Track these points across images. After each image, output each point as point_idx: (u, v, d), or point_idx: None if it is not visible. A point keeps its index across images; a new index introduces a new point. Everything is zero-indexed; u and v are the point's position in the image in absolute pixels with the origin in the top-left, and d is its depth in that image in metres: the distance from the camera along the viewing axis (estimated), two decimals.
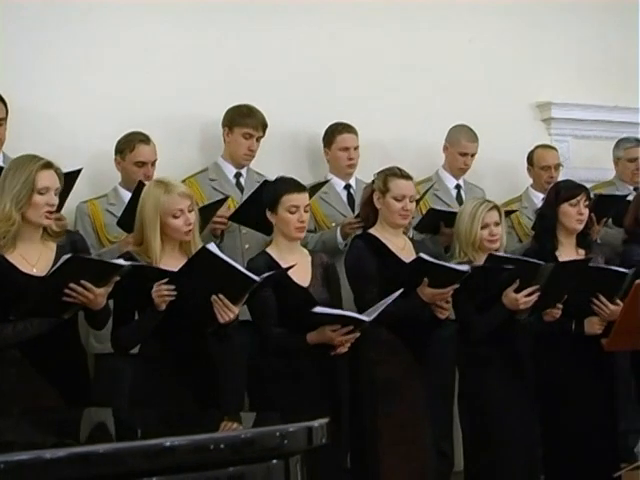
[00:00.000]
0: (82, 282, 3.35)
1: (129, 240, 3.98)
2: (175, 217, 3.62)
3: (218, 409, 3.60)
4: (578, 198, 4.47)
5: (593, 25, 6.35)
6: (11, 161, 3.61)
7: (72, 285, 3.34)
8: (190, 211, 3.65)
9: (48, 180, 3.47)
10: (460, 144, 5.46)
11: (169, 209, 3.61)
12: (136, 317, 3.64)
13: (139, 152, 4.63)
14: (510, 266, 4.12)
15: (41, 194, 3.44)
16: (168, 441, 1.95)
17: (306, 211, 4.01)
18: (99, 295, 3.39)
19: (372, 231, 4.27)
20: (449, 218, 4.81)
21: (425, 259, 3.98)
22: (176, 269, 3.57)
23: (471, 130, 5.48)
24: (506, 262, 4.21)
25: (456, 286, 4.02)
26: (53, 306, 3.41)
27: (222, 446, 1.97)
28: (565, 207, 4.48)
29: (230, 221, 4.63)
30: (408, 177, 4.28)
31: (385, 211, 4.24)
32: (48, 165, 3.49)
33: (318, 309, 3.81)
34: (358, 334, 3.83)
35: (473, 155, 5.49)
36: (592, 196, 4.98)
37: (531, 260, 4.22)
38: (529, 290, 4.16)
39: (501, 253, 4.35)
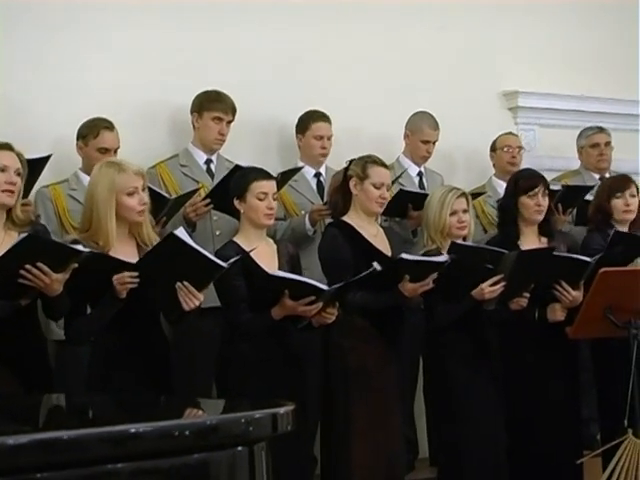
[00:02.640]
0: (38, 264, 3.31)
1: None
2: (129, 195, 3.58)
3: (175, 396, 3.59)
4: (536, 190, 4.50)
5: (561, 13, 6.40)
6: None
7: (27, 266, 3.29)
8: (143, 190, 3.63)
9: (6, 159, 3.45)
10: (423, 132, 5.46)
11: (124, 187, 3.57)
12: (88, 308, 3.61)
13: (103, 138, 4.59)
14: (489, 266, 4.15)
15: (0, 172, 3.43)
16: (133, 427, 1.95)
17: (274, 198, 4.03)
18: (55, 281, 3.33)
19: (345, 219, 4.29)
20: (418, 200, 4.84)
21: (407, 259, 4.01)
22: (129, 255, 3.54)
23: (432, 117, 5.48)
24: (469, 250, 4.24)
25: (435, 276, 4.06)
26: (9, 288, 3.36)
27: (187, 432, 1.97)
28: (524, 199, 4.51)
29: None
30: (386, 165, 4.34)
31: (362, 198, 4.26)
32: (7, 146, 3.48)
33: (277, 272, 3.84)
34: (321, 304, 3.83)
35: (435, 142, 5.50)
36: (560, 187, 5.04)
37: (494, 249, 4.25)
38: (494, 279, 4.19)
39: (463, 241, 4.37)
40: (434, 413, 4.43)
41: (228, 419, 2.14)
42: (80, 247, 3.39)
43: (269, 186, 4.02)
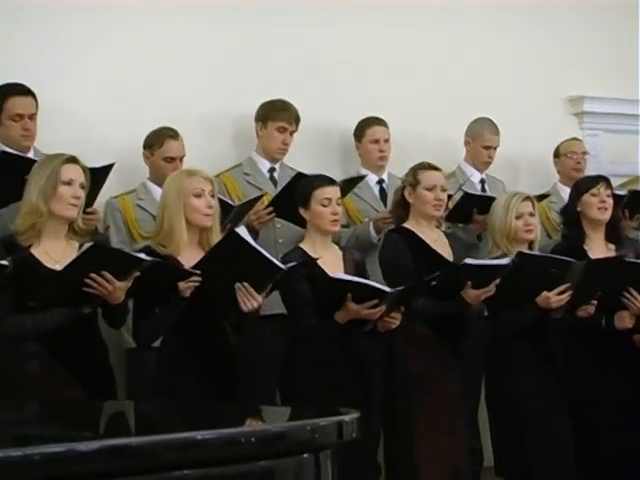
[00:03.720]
0: (102, 273, 3.37)
1: None
2: (196, 196, 3.65)
3: (241, 403, 3.61)
4: (598, 187, 4.46)
5: (626, 17, 6.31)
6: (38, 160, 3.66)
7: (92, 275, 3.36)
8: (212, 196, 3.69)
9: (72, 173, 3.53)
10: (483, 137, 5.44)
11: (191, 188, 3.66)
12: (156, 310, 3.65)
13: (168, 147, 4.65)
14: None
15: (66, 185, 3.49)
16: (199, 434, 1.96)
17: (338, 204, 4.05)
18: (118, 289, 3.40)
19: (406, 225, 4.29)
20: (482, 203, 4.81)
21: (470, 264, 3.98)
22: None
23: (493, 122, 5.46)
24: (536, 260, 4.20)
25: (497, 282, 4.03)
26: (73, 296, 3.42)
27: (253, 440, 1.97)
28: (586, 198, 4.47)
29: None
30: (437, 168, 4.35)
31: (418, 204, 4.27)
32: (72, 159, 3.55)
33: (339, 275, 3.85)
34: (384, 307, 3.82)
35: (496, 148, 5.47)
36: (626, 192, 4.97)
37: (562, 258, 4.19)
38: (561, 288, 4.14)
39: (530, 250, 4.32)
40: (499, 422, 4.38)
41: (294, 426, 2.14)
42: (143, 255, 3.45)
43: (332, 192, 4.04)
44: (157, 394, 3.68)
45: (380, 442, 4.49)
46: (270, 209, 4.59)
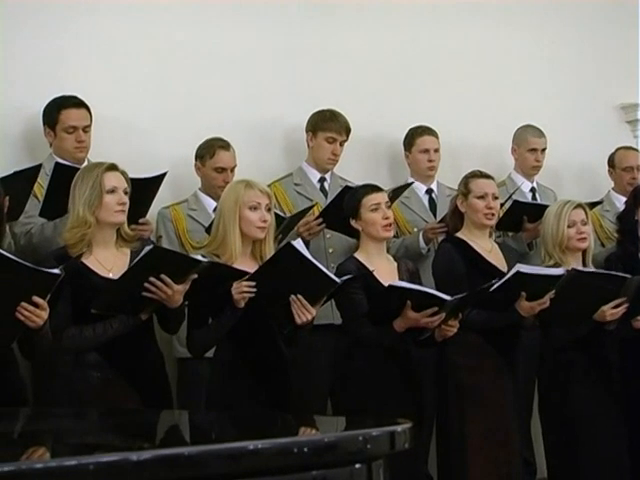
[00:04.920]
0: (162, 276, 3.40)
1: None
2: (251, 209, 3.67)
3: (293, 412, 3.62)
4: None
5: None
6: (78, 172, 3.69)
7: (152, 279, 3.39)
8: (268, 210, 3.71)
9: (115, 180, 3.55)
10: (527, 141, 5.42)
11: (248, 200, 3.68)
12: (210, 320, 3.68)
13: (219, 158, 4.67)
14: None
15: (110, 193, 3.52)
16: (251, 444, 1.96)
17: (388, 207, 4.04)
18: (177, 292, 3.42)
19: (459, 235, 4.28)
20: (533, 211, 4.79)
21: (524, 272, 3.95)
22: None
23: (536, 127, 5.43)
24: (590, 276, 4.14)
25: (552, 294, 3.99)
26: (132, 302, 3.44)
27: (305, 449, 1.97)
28: None
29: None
30: (488, 176, 4.34)
31: (470, 213, 4.26)
32: (113, 167, 3.58)
33: (398, 283, 3.83)
34: (444, 315, 3.81)
35: (543, 150, 5.43)
36: None
37: (617, 274, 4.14)
38: (616, 302, 4.09)
39: (583, 267, 4.27)
40: (552, 433, 4.33)
41: (346, 436, 2.14)
42: (199, 257, 3.47)
43: (380, 197, 4.05)
44: (211, 404, 3.70)
45: (430, 453, 4.46)
46: (320, 220, 4.59)
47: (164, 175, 4.18)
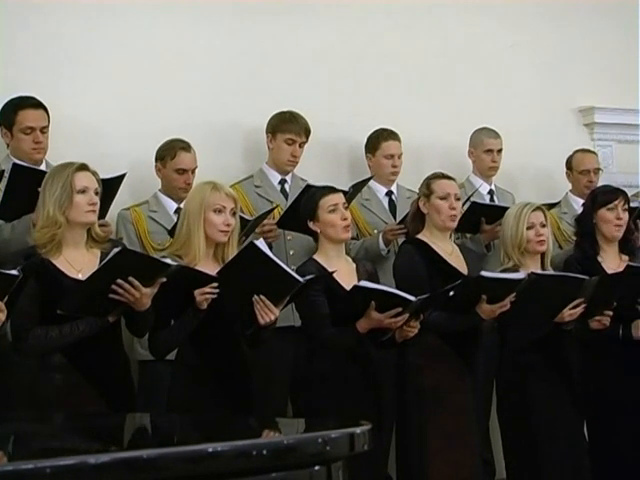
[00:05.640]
0: (130, 279, 3.38)
1: None
2: (216, 212, 3.67)
3: (254, 415, 3.61)
4: (615, 202, 4.44)
5: (636, 27, 6.30)
6: (49, 171, 3.67)
7: (119, 281, 3.37)
8: (233, 214, 3.70)
9: (86, 180, 3.53)
10: (483, 142, 5.46)
11: (212, 203, 3.67)
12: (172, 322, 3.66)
13: (180, 159, 4.66)
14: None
15: (81, 193, 3.50)
16: (211, 447, 1.96)
17: (346, 208, 4.05)
18: (145, 295, 3.41)
19: (420, 236, 4.29)
20: (490, 213, 4.83)
21: (486, 277, 3.98)
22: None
23: (491, 129, 5.48)
24: (550, 279, 4.18)
25: (513, 297, 4.02)
26: (99, 304, 3.42)
27: (264, 452, 1.98)
28: (603, 212, 4.45)
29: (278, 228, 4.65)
30: (450, 178, 4.35)
31: (432, 214, 4.27)
32: (84, 167, 3.56)
33: (362, 283, 3.84)
34: (407, 316, 3.82)
35: (499, 151, 5.47)
36: (637, 204, 4.95)
37: (576, 276, 4.17)
38: (574, 303, 4.13)
39: (543, 271, 4.29)
40: (512, 434, 4.36)
41: (306, 439, 2.14)
42: (169, 260, 3.46)
43: (337, 198, 4.05)
44: (172, 407, 3.68)
45: (390, 454, 4.47)
46: (274, 222, 4.58)
47: (123, 176, 4.16)
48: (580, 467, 4.26)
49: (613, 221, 4.43)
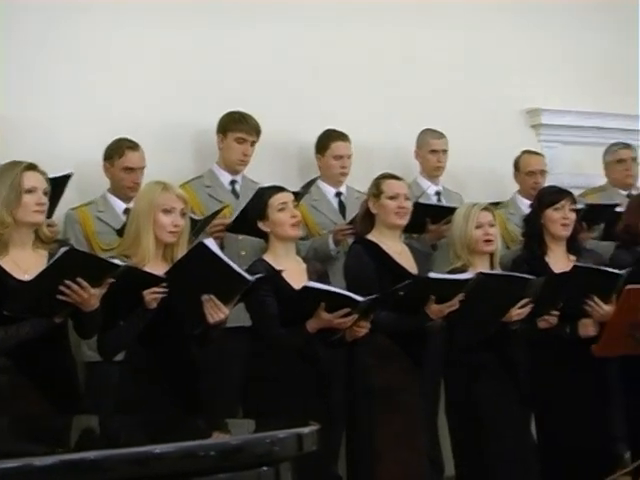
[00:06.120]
0: (77, 279, 3.34)
1: None
2: (165, 213, 3.65)
3: (203, 416, 3.60)
4: (562, 202, 4.49)
5: (583, 31, 6.39)
6: None
7: (67, 282, 3.34)
8: (182, 215, 3.68)
9: (34, 180, 3.49)
10: (428, 143, 5.51)
11: (162, 203, 3.66)
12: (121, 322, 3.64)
13: (128, 158, 4.64)
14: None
15: (29, 193, 3.46)
16: (157, 448, 1.95)
17: (295, 207, 4.05)
18: (93, 295, 3.38)
19: (370, 237, 4.31)
20: (436, 213, 4.88)
21: (434, 278, 4.00)
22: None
23: (435, 130, 5.53)
24: (498, 279, 4.22)
25: (461, 297, 4.04)
26: (46, 304, 3.39)
27: (212, 453, 1.97)
28: (550, 212, 4.50)
29: (228, 232, 4.63)
30: (399, 178, 4.39)
31: (382, 214, 4.29)
32: (32, 167, 3.52)
33: (311, 283, 3.86)
34: (356, 316, 3.83)
35: (445, 152, 5.52)
36: (583, 205, 5.02)
37: (523, 276, 4.20)
38: (522, 303, 4.17)
39: (491, 270, 4.33)
40: (460, 433, 4.39)
41: (253, 439, 2.14)
42: (117, 261, 3.44)
43: (286, 197, 4.06)
44: (120, 408, 3.65)
45: (340, 453, 4.48)
46: (223, 221, 4.56)
47: (69, 176, 4.12)
48: (528, 465, 4.31)
49: (560, 221, 4.49)
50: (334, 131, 5.25)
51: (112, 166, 4.68)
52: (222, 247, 4.59)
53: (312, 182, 4.95)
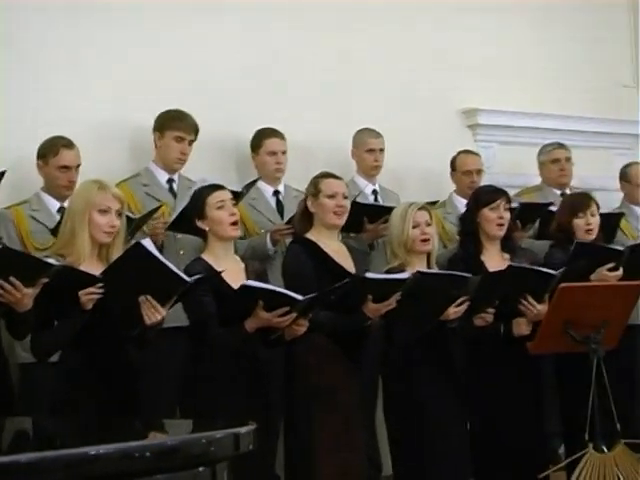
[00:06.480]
0: (10, 279, 3.29)
1: None
2: (101, 213, 3.61)
3: (140, 417, 3.58)
4: (498, 202, 4.54)
5: (518, 31, 6.47)
6: None
7: (0, 281, 3.29)
8: (118, 215, 3.65)
9: None
10: (365, 142, 5.54)
11: (98, 203, 3.62)
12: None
13: (62, 157, 4.59)
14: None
15: None
16: (93, 449, 1.93)
17: (234, 205, 4.05)
18: (26, 295, 3.33)
19: (308, 236, 4.31)
20: (373, 212, 4.90)
21: (371, 278, 4.01)
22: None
23: (372, 129, 5.55)
24: (435, 277, 4.25)
25: (398, 296, 4.06)
26: None
27: (147, 454, 1.96)
28: (485, 212, 4.55)
29: (168, 231, 4.60)
30: (338, 177, 4.40)
31: (320, 213, 4.30)
32: None
33: (250, 282, 3.85)
34: (295, 315, 3.84)
35: (381, 151, 5.55)
36: (517, 204, 5.08)
37: (459, 274, 4.24)
38: (459, 301, 4.21)
39: (428, 269, 4.37)
40: (398, 431, 4.42)
41: (189, 439, 2.13)
42: (52, 260, 3.39)
43: (224, 194, 4.05)
44: (54, 410, 3.61)
45: (278, 453, 4.48)
46: (163, 220, 4.54)
47: (3, 173, 4.06)
48: (464, 462, 4.35)
49: (495, 220, 4.54)
50: (266, 128, 5.25)
51: (46, 165, 4.62)
52: (162, 246, 4.57)
53: (254, 182, 4.94)
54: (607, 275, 4.59)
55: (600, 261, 4.62)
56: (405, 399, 4.34)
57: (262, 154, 5.23)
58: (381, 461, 5.14)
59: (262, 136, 5.24)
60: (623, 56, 6.94)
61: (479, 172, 5.74)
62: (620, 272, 4.61)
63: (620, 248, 4.76)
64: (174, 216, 4.55)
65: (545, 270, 4.37)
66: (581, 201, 4.90)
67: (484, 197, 4.59)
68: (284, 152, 5.24)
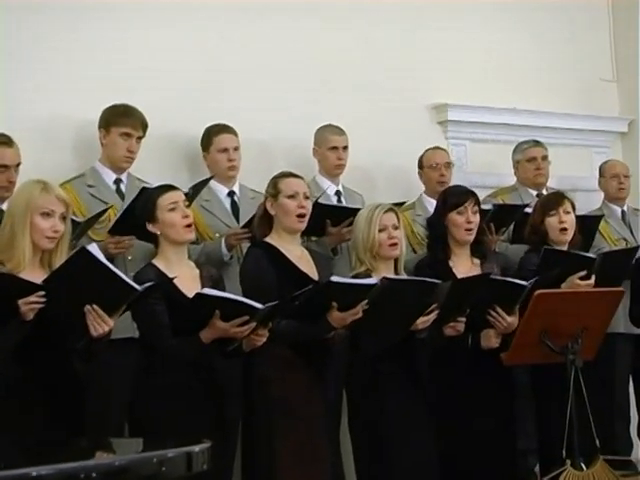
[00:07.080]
0: None
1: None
2: (43, 216, 3.60)
3: (86, 435, 3.57)
4: (465, 205, 4.56)
5: (490, 24, 6.52)
6: None
7: None
8: (62, 219, 3.64)
9: None
10: (327, 140, 5.52)
11: (40, 206, 3.60)
12: None
13: (1, 155, 4.55)
14: None
15: None
16: (34, 470, 1.93)
17: (187, 207, 4.05)
18: None
19: (269, 240, 4.30)
20: (336, 214, 4.90)
21: (336, 282, 4.01)
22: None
23: (335, 126, 5.55)
24: (402, 283, 4.27)
25: (364, 305, 4.07)
26: None
27: (94, 475, 1.96)
28: (453, 216, 4.57)
29: (109, 234, 4.58)
30: (298, 176, 4.38)
31: (281, 214, 4.29)
32: None
33: (205, 290, 3.84)
34: (254, 325, 3.84)
35: (345, 148, 5.54)
36: (490, 206, 5.11)
37: (428, 280, 4.24)
38: (428, 310, 4.21)
39: (396, 276, 4.38)
40: (363, 442, 4.44)
41: (139, 459, 2.14)
42: None
43: (176, 196, 4.05)
44: None
45: (236, 469, 4.49)
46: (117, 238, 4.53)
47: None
48: (430, 474, 4.37)
49: (464, 225, 4.55)
50: (216, 125, 5.22)
51: None
52: (113, 260, 4.54)
53: (205, 182, 4.90)
54: (579, 283, 4.62)
55: (572, 269, 4.63)
56: (370, 411, 4.37)
57: (213, 152, 5.20)
58: (344, 473, 5.16)
59: (211, 133, 5.20)
60: (602, 51, 7.03)
61: (448, 165, 5.73)
62: (592, 280, 4.64)
63: (592, 255, 4.79)
64: (116, 218, 4.55)
65: (516, 281, 4.38)
66: (553, 199, 4.94)
67: (451, 200, 4.60)
68: (236, 148, 5.20)
